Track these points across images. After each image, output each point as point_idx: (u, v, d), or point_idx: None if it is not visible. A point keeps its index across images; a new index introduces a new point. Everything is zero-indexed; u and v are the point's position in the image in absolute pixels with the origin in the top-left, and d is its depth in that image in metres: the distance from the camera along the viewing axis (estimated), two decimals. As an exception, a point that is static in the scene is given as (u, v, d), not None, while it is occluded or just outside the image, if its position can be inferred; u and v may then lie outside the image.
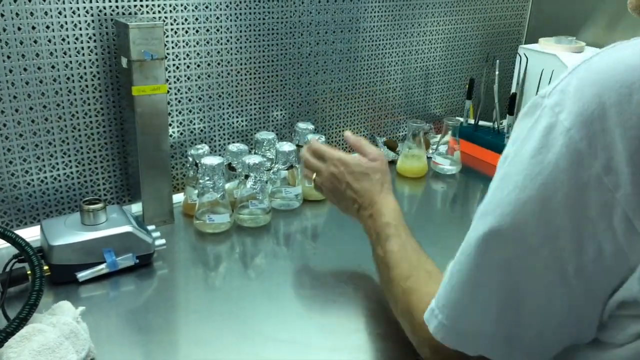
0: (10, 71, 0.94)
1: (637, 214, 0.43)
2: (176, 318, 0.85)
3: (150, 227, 0.98)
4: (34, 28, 0.94)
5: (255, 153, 1.16)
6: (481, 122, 1.46)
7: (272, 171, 1.14)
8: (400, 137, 1.51)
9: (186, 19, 1.09)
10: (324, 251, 1.02)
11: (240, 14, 1.15)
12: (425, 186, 1.32)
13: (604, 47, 0.49)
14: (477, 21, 1.55)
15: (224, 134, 1.22)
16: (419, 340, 0.65)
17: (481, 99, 1.45)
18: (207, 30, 1.12)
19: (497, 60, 1.42)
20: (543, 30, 1.56)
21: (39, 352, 0.68)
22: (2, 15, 0.91)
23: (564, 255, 0.47)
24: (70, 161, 1.04)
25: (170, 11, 1.07)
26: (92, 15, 0.99)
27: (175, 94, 1.13)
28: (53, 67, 0.98)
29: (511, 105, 1.37)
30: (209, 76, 1.16)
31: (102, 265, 0.89)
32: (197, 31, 1.11)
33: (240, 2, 1.15)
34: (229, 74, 1.18)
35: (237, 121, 1.23)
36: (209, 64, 1.15)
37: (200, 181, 1.03)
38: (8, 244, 0.81)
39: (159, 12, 1.06)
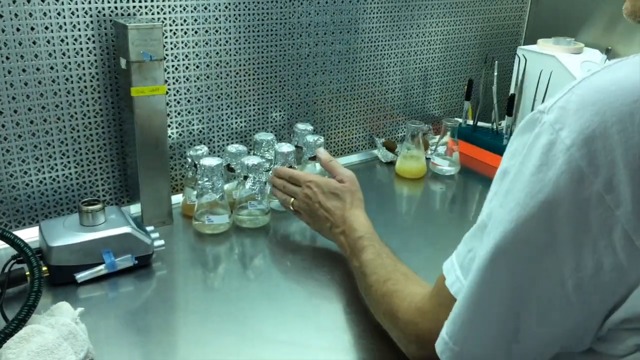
0: (9, 72, 0.94)
1: (638, 231, 0.44)
2: (175, 319, 0.85)
3: (149, 228, 0.98)
4: (32, 29, 0.94)
5: (254, 154, 1.16)
6: (480, 123, 1.46)
7: (271, 172, 1.14)
8: (399, 137, 1.51)
9: (185, 20, 1.09)
10: (323, 251, 1.02)
11: (239, 15, 1.16)
12: (424, 187, 1.32)
13: (604, 65, 0.49)
14: (475, 22, 1.55)
15: (223, 135, 1.22)
16: (405, 338, 0.67)
17: (480, 99, 1.45)
18: (206, 31, 1.12)
19: (496, 61, 1.42)
20: (542, 31, 1.56)
21: (37, 353, 0.68)
22: (1, 16, 0.91)
23: (565, 271, 0.47)
24: (69, 162, 1.04)
25: (169, 12, 1.07)
26: (91, 16, 0.99)
27: (174, 95, 1.13)
28: (52, 68, 0.98)
29: (510, 106, 1.38)
30: (208, 77, 1.16)
31: (101, 266, 0.89)
32: (196, 32, 1.11)
33: (239, 3, 1.15)
34: (228, 75, 1.18)
35: (236, 122, 1.23)
36: (208, 65, 1.15)
37: (199, 182, 1.03)
38: (7, 245, 0.81)
39: (158, 13, 1.06)
